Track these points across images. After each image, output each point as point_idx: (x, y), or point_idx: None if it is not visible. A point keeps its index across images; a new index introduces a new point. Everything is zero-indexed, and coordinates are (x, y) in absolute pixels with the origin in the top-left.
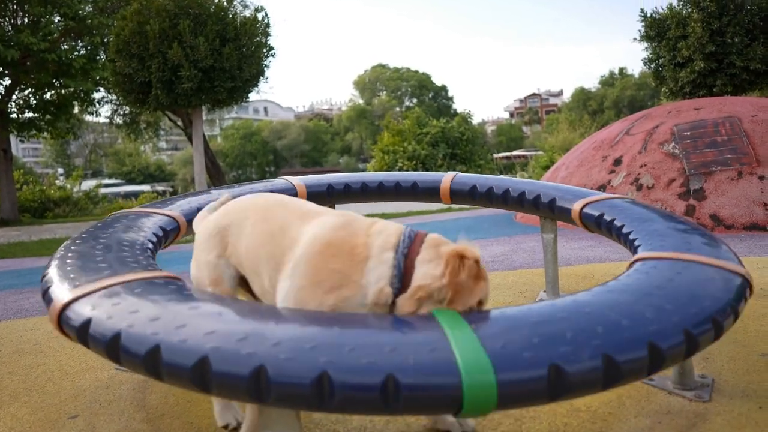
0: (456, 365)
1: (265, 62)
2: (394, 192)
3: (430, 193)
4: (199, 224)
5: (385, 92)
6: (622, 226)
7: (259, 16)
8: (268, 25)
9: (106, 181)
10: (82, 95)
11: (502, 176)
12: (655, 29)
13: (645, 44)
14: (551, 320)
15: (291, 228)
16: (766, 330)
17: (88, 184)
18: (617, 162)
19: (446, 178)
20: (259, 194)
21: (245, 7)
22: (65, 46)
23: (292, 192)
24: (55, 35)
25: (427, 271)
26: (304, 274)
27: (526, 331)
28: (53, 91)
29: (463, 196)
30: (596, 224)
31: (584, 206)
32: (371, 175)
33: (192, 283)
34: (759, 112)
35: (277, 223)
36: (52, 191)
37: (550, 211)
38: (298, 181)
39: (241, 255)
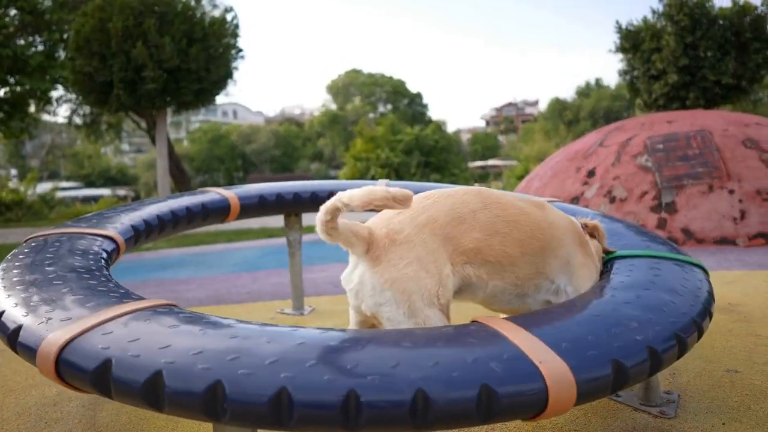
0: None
1: (233, 64)
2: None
3: None
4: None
5: (358, 98)
6: None
7: (228, 16)
8: (237, 26)
9: (64, 184)
10: (39, 94)
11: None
12: (630, 41)
13: (620, 56)
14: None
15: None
16: (732, 345)
17: (43, 187)
18: (591, 174)
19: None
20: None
21: (214, 6)
22: (21, 42)
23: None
24: (11, 29)
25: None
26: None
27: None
28: (7, 89)
29: None
30: None
31: None
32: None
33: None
34: (730, 126)
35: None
36: (5, 194)
37: None
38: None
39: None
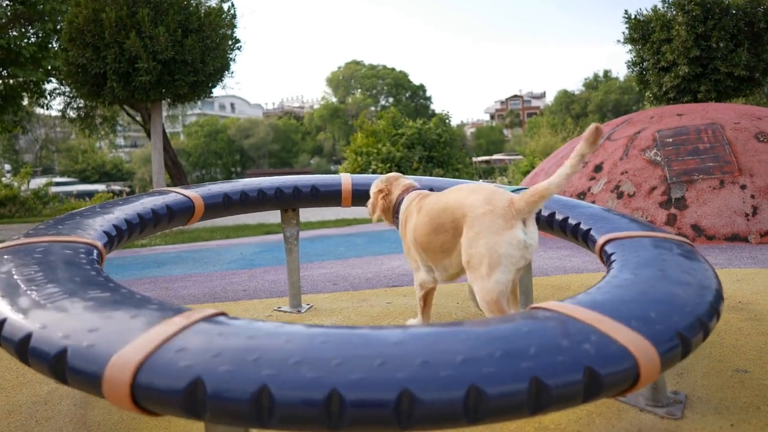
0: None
1: (230, 55)
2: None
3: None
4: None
5: (359, 90)
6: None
7: (225, 6)
8: (234, 16)
9: (58, 179)
10: (32, 86)
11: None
12: (640, 32)
13: (629, 47)
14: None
15: None
16: (741, 344)
17: (37, 182)
18: (598, 168)
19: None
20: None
21: None
22: (14, 33)
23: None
24: (3, 20)
25: None
26: None
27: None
28: (0, 81)
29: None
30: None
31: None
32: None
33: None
34: (742, 119)
35: None
36: None
37: None
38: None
39: None
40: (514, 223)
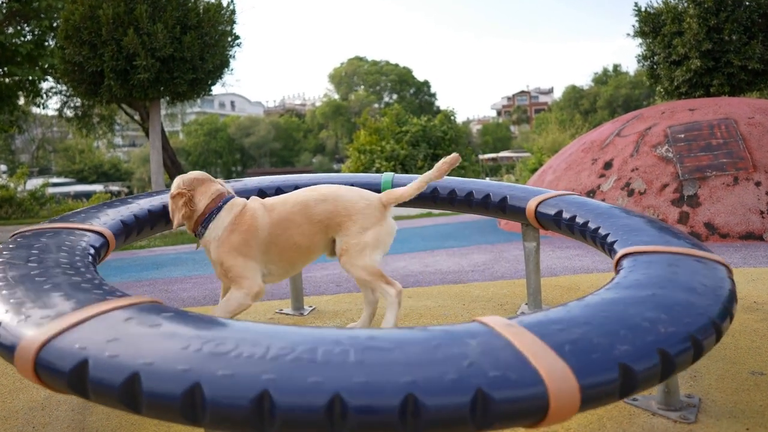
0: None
1: (230, 52)
2: None
3: None
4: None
5: (362, 87)
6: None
7: (224, 2)
8: (233, 11)
9: (55, 179)
10: (28, 85)
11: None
12: (650, 25)
13: (639, 40)
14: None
15: None
16: (757, 346)
17: (34, 183)
18: (607, 165)
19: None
20: None
21: None
22: (10, 30)
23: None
24: None
25: None
26: None
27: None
28: None
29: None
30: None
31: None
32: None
33: None
34: (756, 114)
35: None
36: None
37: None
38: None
39: None
40: (386, 215)
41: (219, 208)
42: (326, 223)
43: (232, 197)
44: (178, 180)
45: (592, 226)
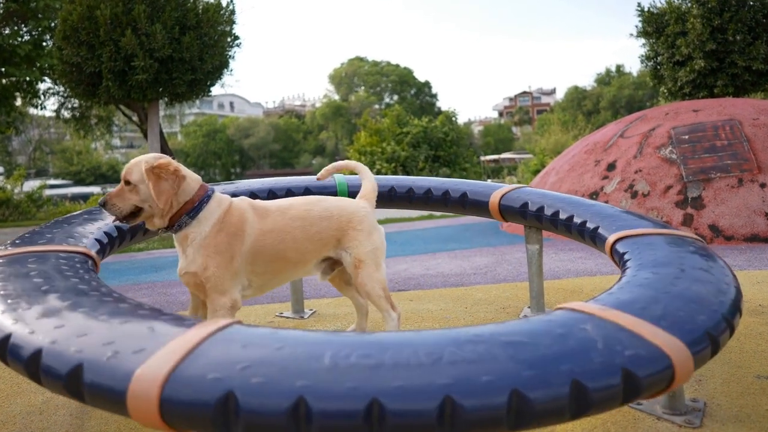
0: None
1: (229, 53)
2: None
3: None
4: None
5: (363, 88)
6: (557, 213)
7: (223, 2)
8: (233, 11)
9: (52, 181)
10: (26, 86)
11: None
12: (653, 25)
13: (643, 41)
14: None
15: None
16: (762, 349)
17: (31, 185)
18: (611, 167)
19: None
20: None
21: None
22: (7, 31)
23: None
24: None
25: None
26: None
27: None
28: None
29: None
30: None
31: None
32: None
33: None
34: (761, 115)
35: None
36: None
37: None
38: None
39: None
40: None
41: (208, 198)
42: (327, 241)
43: (213, 190)
44: (149, 156)
45: (563, 216)
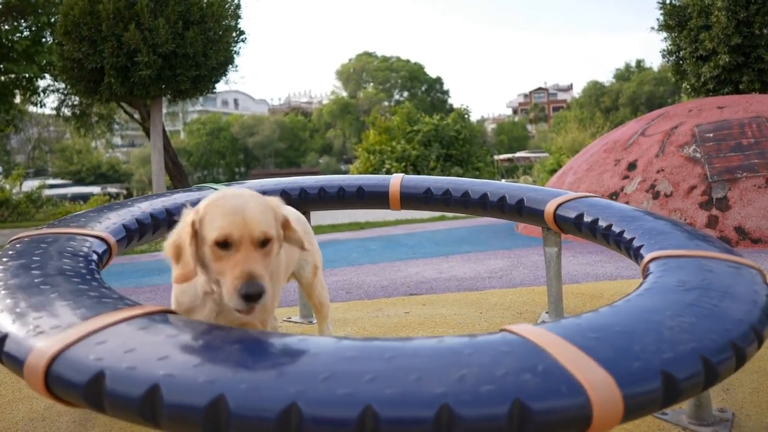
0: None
1: (234, 48)
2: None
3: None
4: None
5: (371, 84)
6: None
7: None
8: (238, 6)
9: (51, 181)
10: (25, 83)
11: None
12: (676, 18)
13: (664, 34)
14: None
15: None
16: None
17: (30, 185)
18: (631, 166)
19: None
20: None
21: None
22: (6, 26)
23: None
24: None
25: None
26: None
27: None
28: None
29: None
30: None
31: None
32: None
33: None
34: None
35: None
36: None
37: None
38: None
39: None
40: None
41: None
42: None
43: None
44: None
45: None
